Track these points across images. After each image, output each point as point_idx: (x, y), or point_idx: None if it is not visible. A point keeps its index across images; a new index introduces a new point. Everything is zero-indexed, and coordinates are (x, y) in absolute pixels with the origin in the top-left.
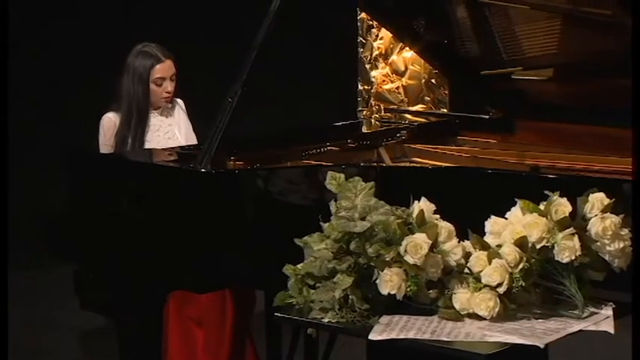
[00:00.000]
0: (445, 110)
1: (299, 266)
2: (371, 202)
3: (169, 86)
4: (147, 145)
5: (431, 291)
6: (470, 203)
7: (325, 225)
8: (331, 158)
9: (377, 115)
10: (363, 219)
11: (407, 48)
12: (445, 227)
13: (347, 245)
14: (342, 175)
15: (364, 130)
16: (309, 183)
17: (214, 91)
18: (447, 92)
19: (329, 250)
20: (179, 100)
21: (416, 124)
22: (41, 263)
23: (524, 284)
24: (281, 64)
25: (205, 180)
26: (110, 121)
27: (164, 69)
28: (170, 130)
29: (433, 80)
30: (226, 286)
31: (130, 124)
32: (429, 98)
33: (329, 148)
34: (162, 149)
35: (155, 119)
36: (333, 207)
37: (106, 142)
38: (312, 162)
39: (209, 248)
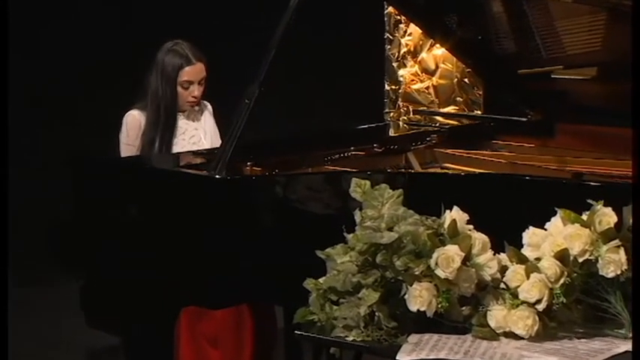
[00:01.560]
0: (479, 112)
1: (321, 280)
2: (399, 211)
3: (196, 90)
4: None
5: (464, 308)
6: (506, 213)
7: (349, 236)
8: (356, 164)
9: (405, 118)
10: (390, 229)
11: (438, 45)
12: (479, 239)
13: (373, 258)
14: (368, 182)
15: (391, 133)
16: (331, 190)
17: (228, 93)
18: (480, 93)
19: (353, 263)
20: (207, 104)
21: (447, 127)
22: (46, 278)
23: (565, 301)
24: (301, 62)
25: (220, 187)
26: (135, 119)
27: (193, 72)
28: (196, 135)
29: (466, 80)
30: (243, 301)
31: (157, 126)
32: (461, 99)
33: (353, 152)
34: (175, 154)
35: (181, 122)
36: (357, 216)
37: (129, 142)
38: (335, 168)
39: (224, 260)
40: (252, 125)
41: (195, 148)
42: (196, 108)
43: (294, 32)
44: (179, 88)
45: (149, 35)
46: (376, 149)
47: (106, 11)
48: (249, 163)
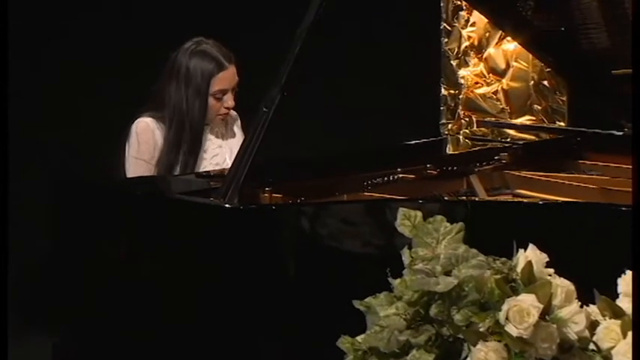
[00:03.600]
0: (562, 124)
1: (359, 338)
2: (459, 250)
3: (230, 100)
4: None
5: None
6: (596, 253)
7: (395, 282)
8: (404, 190)
9: (467, 131)
10: (447, 274)
11: (509, 38)
12: (562, 286)
13: (426, 310)
14: (419, 214)
15: (449, 150)
16: (372, 224)
17: (248, 98)
18: (564, 99)
19: (401, 317)
20: (234, 114)
21: (521, 142)
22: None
23: None
24: (334, 60)
25: (231, 218)
26: (147, 127)
27: (227, 78)
28: (219, 154)
29: (545, 82)
30: None
31: (178, 148)
32: (539, 107)
33: (401, 175)
34: (175, 176)
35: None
36: (406, 257)
37: (139, 156)
38: (378, 195)
39: (233, 314)
40: (271, 140)
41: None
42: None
43: (326, 22)
44: (210, 100)
45: (151, 34)
46: (430, 171)
47: (107, 11)
48: (267, 189)
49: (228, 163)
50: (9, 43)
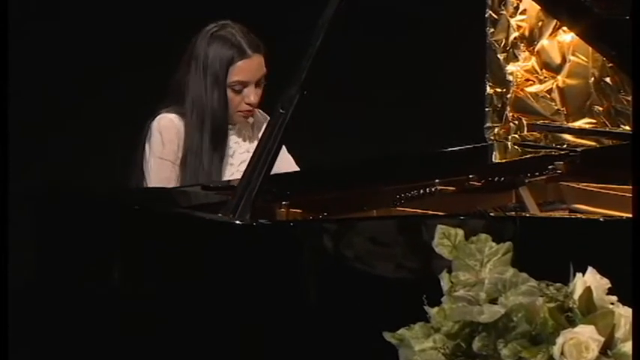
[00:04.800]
0: (627, 128)
1: None
2: (506, 274)
3: (252, 95)
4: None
5: None
6: None
7: (433, 311)
8: (442, 204)
9: (516, 136)
10: (493, 302)
11: (565, 28)
12: (626, 316)
13: (468, 344)
14: (461, 232)
15: (496, 158)
16: (405, 243)
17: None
18: (629, 99)
19: (439, 351)
20: (265, 116)
21: (579, 149)
22: None
23: None
24: (360, 54)
25: (242, 237)
26: (171, 125)
27: (249, 69)
28: (248, 159)
29: (607, 79)
30: None
31: (201, 146)
32: (600, 108)
33: (439, 188)
34: (178, 188)
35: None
36: (445, 282)
37: (164, 157)
38: (412, 210)
39: (249, 346)
40: (290, 146)
41: None
42: (250, 120)
43: (352, 10)
44: (229, 92)
45: (153, 33)
46: (473, 182)
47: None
48: (284, 203)
49: None
50: (9, 43)
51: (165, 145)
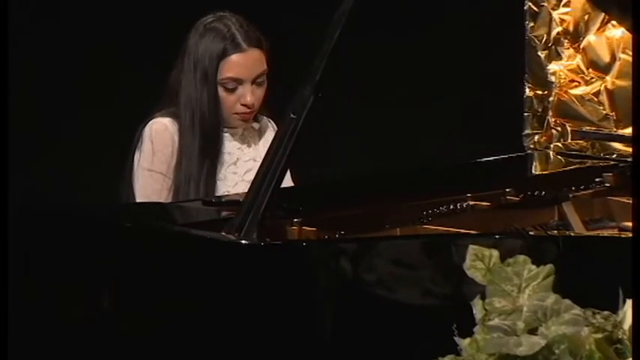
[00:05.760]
0: None
1: None
2: (547, 301)
3: (249, 95)
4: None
5: None
6: None
7: (464, 342)
8: (475, 222)
9: (559, 144)
10: (532, 332)
11: (614, 22)
12: None
13: None
14: (496, 253)
15: (536, 170)
16: (433, 265)
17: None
18: None
19: None
20: (270, 121)
21: (630, 160)
22: None
23: None
24: (382, 53)
25: (248, 258)
26: (164, 131)
27: (242, 64)
28: (254, 168)
29: None
30: None
31: (194, 149)
32: None
33: (471, 203)
34: (176, 203)
35: (229, 145)
36: (478, 309)
37: (153, 168)
38: (440, 228)
39: None
40: (302, 157)
41: None
42: (255, 125)
43: (373, 2)
44: (220, 90)
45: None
46: (510, 197)
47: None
48: (296, 220)
49: None
50: (9, 43)
51: (155, 154)
